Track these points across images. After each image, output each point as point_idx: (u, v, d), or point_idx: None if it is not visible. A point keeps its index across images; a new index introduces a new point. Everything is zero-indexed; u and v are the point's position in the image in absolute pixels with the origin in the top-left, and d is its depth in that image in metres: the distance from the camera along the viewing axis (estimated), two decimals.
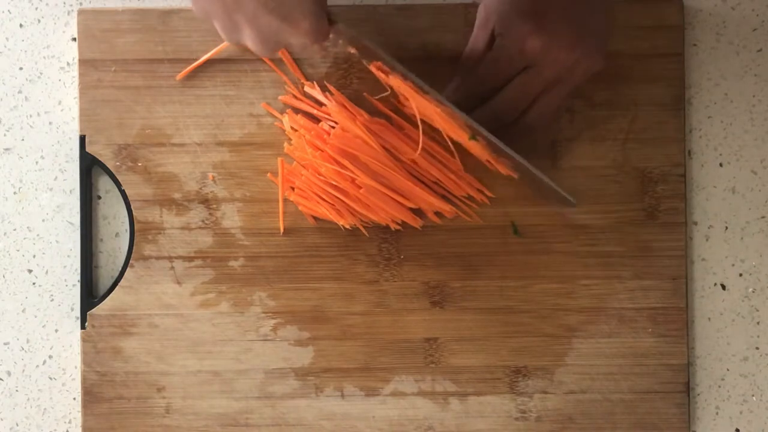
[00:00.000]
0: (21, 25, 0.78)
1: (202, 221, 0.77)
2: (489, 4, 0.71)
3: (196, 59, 0.76)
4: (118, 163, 0.77)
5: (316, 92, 0.76)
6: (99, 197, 0.79)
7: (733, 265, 0.79)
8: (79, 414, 0.78)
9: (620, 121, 0.77)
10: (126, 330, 0.77)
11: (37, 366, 0.79)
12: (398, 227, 0.77)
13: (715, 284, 0.79)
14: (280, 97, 0.77)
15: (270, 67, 0.77)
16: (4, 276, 0.79)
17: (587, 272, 0.78)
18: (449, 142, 0.76)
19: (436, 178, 0.76)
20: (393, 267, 0.77)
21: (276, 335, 0.77)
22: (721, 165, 0.79)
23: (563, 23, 0.68)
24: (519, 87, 0.71)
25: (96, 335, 0.77)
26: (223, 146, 0.77)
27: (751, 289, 0.79)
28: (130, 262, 0.77)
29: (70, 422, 0.79)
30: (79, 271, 0.78)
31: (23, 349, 0.79)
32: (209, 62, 0.77)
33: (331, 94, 0.75)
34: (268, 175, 0.77)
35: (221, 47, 0.76)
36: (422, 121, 0.76)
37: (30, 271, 0.79)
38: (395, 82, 0.72)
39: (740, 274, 0.79)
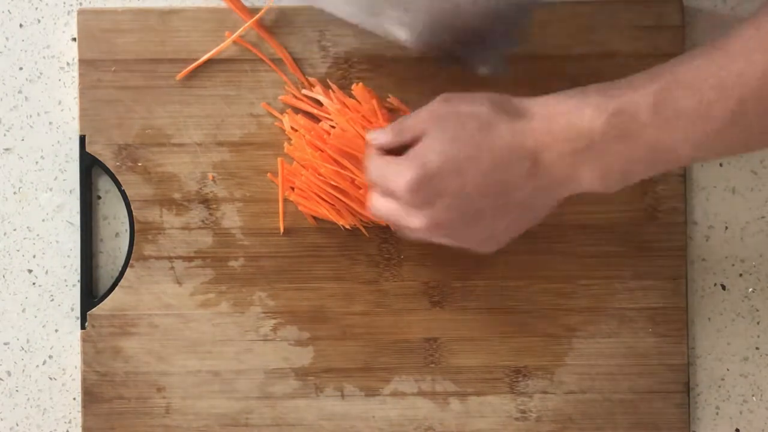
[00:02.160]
0: (21, 25, 0.78)
1: (202, 221, 0.77)
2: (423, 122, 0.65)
3: (196, 59, 0.76)
4: (118, 163, 0.77)
5: (317, 92, 0.76)
6: (99, 197, 0.79)
7: (733, 265, 0.79)
8: (79, 414, 0.78)
9: None
10: (126, 330, 0.77)
11: (37, 366, 0.79)
12: None
13: (715, 284, 0.79)
14: (280, 97, 0.77)
15: (270, 67, 0.77)
16: (4, 276, 0.79)
17: (587, 272, 0.78)
18: None
19: None
20: (393, 267, 0.77)
21: (276, 335, 0.77)
22: (721, 165, 0.79)
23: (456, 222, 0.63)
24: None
25: (96, 335, 0.77)
26: (223, 146, 0.77)
27: (751, 289, 0.79)
28: (130, 262, 0.77)
29: (70, 422, 0.79)
30: (79, 271, 0.78)
31: (23, 349, 0.79)
32: (209, 62, 0.77)
33: (333, 92, 0.75)
34: (268, 175, 0.77)
35: (221, 47, 0.76)
36: None
37: (30, 271, 0.79)
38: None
39: (740, 274, 0.79)
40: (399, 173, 0.63)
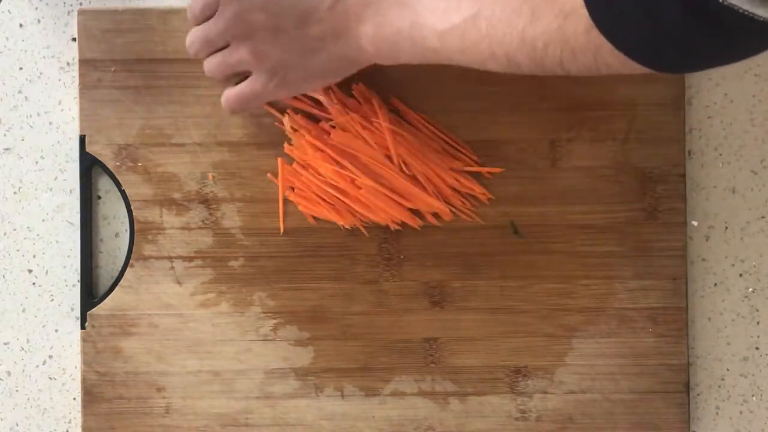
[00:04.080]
0: (21, 25, 0.78)
1: (202, 221, 0.77)
2: None
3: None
4: (118, 163, 0.77)
5: (317, 92, 0.76)
6: (99, 197, 0.79)
7: (733, 265, 0.79)
8: (79, 414, 0.78)
9: (620, 121, 0.77)
10: (126, 330, 0.77)
11: (37, 366, 0.79)
12: (398, 227, 0.77)
13: (715, 284, 0.79)
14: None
15: None
16: (4, 276, 0.79)
17: (587, 272, 0.78)
18: (450, 142, 0.76)
19: (432, 180, 0.76)
20: (393, 267, 0.77)
21: (276, 335, 0.77)
22: (721, 165, 0.79)
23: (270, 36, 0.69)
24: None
25: (96, 335, 0.77)
26: (223, 146, 0.77)
27: (751, 289, 0.79)
28: (130, 262, 0.77)
29: (70, 422, 0.79)
30: (79, 271, 0.78)
31: (23, 349, 0.79)
32: None
33: (333, 92, 0.75)
34: (268, 175, 0.77)
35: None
36: (424, 119, 0.76)
37: (30, 271, 0.79)
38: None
39: (740, 274, 0.79)
40: None
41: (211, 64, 0.72)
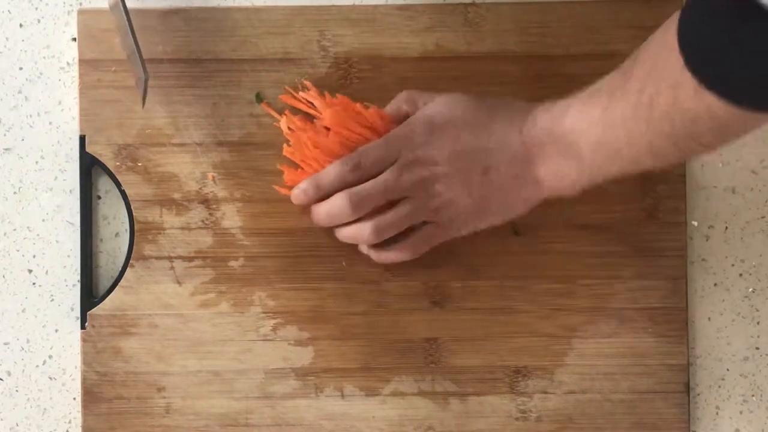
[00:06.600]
0: (21, 25, 0.78)
1: (202, 221, 0.77)
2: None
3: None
4: (118, 163, 0.77)
5: (312, 96, 0.75)
6: (99, 197, 0.79)
7: (733, 265, 0.79)
8: (79, 414, 0.78)
9: None
10: (126, 330, 0.77)
11: (37, 366, 0.79)
12: None
13: (715, 284, 0.79)
14: (280, 97, 0.77)
15: (270, 67, 0.77)
16: (4, 276, 0.79)
17: (587, 272, 0.78)
18: None
19: None
20: (393, 267, 0.77)
21: (276, 335, 0.77)
22: (721, 165, 0.79)
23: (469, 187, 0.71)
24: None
25: (96, 335, 0.77)
26: (223, 146, 0.77)
27: (751, 289, 0.79)
28: (130, 262, 0.77)
29: (70, 422, 0.79)
30: (79, 271, 0.78)
31: (23, 349, 0.79)
32: (209, 62, 0.77)
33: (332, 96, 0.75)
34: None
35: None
36: None
37: (30, 271, 0.79)
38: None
39: (740, 274, 0.79)
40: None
41: (380, 224, 0.72)
